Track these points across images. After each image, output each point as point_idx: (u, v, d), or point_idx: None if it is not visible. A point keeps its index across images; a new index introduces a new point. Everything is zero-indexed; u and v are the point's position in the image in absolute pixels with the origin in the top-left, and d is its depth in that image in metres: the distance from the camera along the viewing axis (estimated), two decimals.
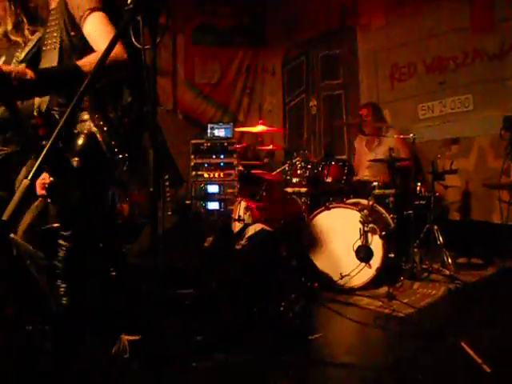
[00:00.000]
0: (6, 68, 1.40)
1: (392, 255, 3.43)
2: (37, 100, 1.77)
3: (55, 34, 1.75)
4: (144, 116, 1.88)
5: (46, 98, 1.76)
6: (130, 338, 1.93)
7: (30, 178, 0.90)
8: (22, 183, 0.90)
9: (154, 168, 1.12)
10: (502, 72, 4.37)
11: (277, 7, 6.69)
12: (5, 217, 0.90)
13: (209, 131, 5.64)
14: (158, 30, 1.13)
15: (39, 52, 1.82)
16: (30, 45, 1.86)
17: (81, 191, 1.70)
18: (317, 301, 2.96)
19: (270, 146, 4.74)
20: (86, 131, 1.72)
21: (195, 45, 6.54)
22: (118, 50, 1.58)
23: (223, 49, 6.71)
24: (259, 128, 4.36)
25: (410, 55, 5.12)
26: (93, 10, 1.64)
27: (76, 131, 1.74)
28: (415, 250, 3.61)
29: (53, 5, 1.80)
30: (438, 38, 4.84)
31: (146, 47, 1.12)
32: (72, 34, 1.71)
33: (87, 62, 1.53)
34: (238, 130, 5.03)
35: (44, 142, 1.70)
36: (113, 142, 1.71)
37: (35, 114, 1.75)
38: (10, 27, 1.88)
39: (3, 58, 1.94)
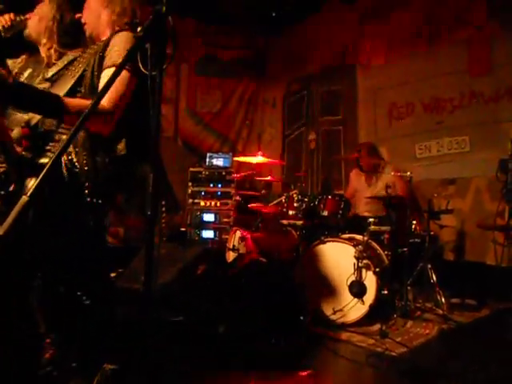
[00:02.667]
0: None
1: (385, 292, 3.40)
2: (30, 113, 1.75)
3: (80, 66, 1.76)
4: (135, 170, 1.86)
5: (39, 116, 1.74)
6: (113, 367, 1.87)
7: (28, 194, 0.91)
8: (21, 199, 0.91)
9: (152, 192, 1.12)
10: (497, 115, 4.46)
11: (280, 41, 6.87)
12: (1, 231, 0.90)
13: (207, 160, 5.69)
14: (165, 58, 1.16)
15: None
16: (60, 65, 1.84)
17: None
18: (309, 335, 2.91)
19: (268, 177, 4.77)
20: (55, 150, 1.62)
21: (198, 74, 6.68)
22: (107, 102, 1.58)
23: (226, 79, 6.83)
24: (258, 158, 4.40)
25: (408, 95, 5.23)
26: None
27: (47, 148, 1.72)
28: (408, 287, 3.59)
29: (102, 39, 1.84)
30: (436, 80, 4.96)
31: (153, 73, 1.14)
32: (95, 73, 1.72)
33: (73, 103, 1.54)
34: (236, 159, 5.08)
35: (24, 153, 1.69)
36: (86, 184, 1.68)
37: (23, 124, 1.72)
38: (44, 40, 1.88)
39: (29, 70, 1.95)
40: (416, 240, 3.85)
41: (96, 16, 1.88)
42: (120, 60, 1.64)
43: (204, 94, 6.72)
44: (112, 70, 1.64)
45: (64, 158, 1.66)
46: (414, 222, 3.88)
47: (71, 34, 1.93)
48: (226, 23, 6.57)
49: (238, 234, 4.22)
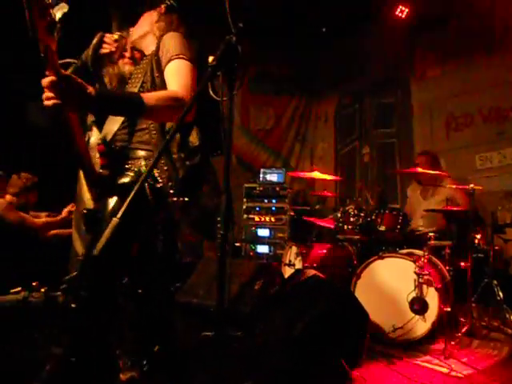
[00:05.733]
0: (72, 76, 1.41)
1: (448, 309, 3.28)
2: (104, 130, 1.82)
3: (140, 76, 1.86)
4: (207, 162, 1.90)
5: (113, 130, 1.80)
6: None
7: (119, 216, 0.97)
8: (112, 221, 0.98)
9: (225, 212, 1.17)
10: None
11: (330, 56, 6.88)
12: (96, 252, 0.98)
13: (261, 176, 5.75)
14: (235, 85, 1.22)
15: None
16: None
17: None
18: (368, 354, 2.86)
19: (324, 191, 4.75)
20: (136, 169, 1.71)
21: (251, 92, 6.80)
22: (181, 89, 1.65)
23: (278, 96, 6.92)
24: (314, 174, 4.40)
25: (465, 105, 5.10)
26: (179, 56, 1.75)
27: (127, 167, 1.73)
28: (473, 305, 3.45)
29: (147, 51, 1.95)
30: (495, 89, 4.81)
31: (224, 99, 1.21)
32: (156, 75, 1.80)
33: (150, 96, 1.59)
34: (290, 174, 5.11)
35: (101, 171, 1.72)
36: (170, 183, 1.68)
37: (99, 141, 1.76)
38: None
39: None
40: (479, 255, 3.70)
41: (143, 36, 1.99)
42: (176, 52, 1.75)
43: (257, 112, 6.83)
44: (173, 63, 1.74)
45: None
46: (478, 236, 3.73)
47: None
48: (277, 39, 6.66)
49: (294, 249, 4.22)
